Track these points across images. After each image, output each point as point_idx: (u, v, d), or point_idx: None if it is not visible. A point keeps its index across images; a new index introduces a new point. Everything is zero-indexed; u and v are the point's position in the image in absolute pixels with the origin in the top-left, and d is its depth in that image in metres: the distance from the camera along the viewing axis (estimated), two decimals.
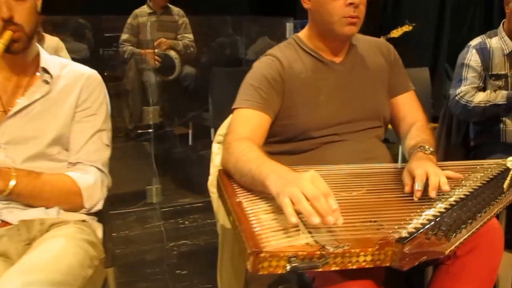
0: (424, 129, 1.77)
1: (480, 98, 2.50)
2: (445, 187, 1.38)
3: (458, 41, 6.03)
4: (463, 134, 2.75)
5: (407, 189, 1.43)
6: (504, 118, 2.54)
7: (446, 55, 6.08)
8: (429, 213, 1.31)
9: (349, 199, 1.39)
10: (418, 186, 1.39)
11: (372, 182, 1.51)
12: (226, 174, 1.55)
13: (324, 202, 1.14)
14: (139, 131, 4.58)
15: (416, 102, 1.90)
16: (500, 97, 2.45)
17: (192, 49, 4.89)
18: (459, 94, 2.56)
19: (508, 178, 1.54)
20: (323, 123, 1.71)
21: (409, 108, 1.87)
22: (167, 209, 3.69)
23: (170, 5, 4.87)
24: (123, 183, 3.58)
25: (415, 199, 1.38)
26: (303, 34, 1.82)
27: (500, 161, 1.74)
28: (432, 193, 1.36)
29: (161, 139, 4.47)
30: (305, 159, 1.71)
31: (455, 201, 1.38)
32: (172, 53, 4.64)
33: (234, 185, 1.48)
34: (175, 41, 4.78)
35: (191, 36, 4.92)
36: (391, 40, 4.99)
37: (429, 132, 1.77)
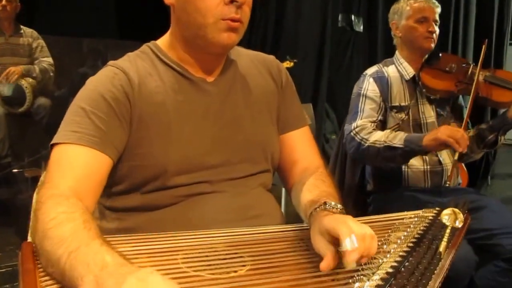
0: (324, 178, 1.31)
1: (377, 137, 2.09)
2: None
3: (337, 79, 5.90)
4: (358, 177, 2.35)
5: (324, 264, 0.95)
6: None
7: (326, 94, 5.88)
8: None
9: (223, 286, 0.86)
10: (349, 244, 0.92)
11: (258, 255, 1.00)
12: (32, 252, 0.94)
13: None
14: None
15: (312, 141, 1.44)
16: (398, 139, 2.05)
17: (51, 73, 4.18)
18: (355, 129, 2.15)
19: (445, 239, 1.12)
20: (186, 166, 1.19)
21: (303, 148, 1.41)
22: (4, 270, 2.94)
23: (22, 26, 4.15)
24: None
25: (350, 267, 0.93)
26: (162, 41, 1.29)
27: (419, 212, 1.36)
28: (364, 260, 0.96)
29: (5, 183, 3.76)
30: (161, 219, 1.16)
31: (382, 279, 0.93)
32: (23, 82, 3.92)
33: (41, 274, 0.89)
34: (28, 66, 4.05)
35: (50, 59, 4.21)
36: None
37: (330, 182, 1.31)
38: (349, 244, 0.92)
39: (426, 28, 2.18)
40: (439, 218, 1.28)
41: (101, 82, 1.17)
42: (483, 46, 2.21)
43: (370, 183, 2.30)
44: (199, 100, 1.23)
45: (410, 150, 2.02)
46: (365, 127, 2.13)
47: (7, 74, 3.88)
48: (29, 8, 4.29)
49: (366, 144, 2.08)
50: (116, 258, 0.82)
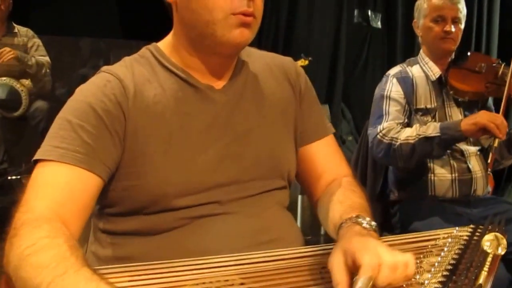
0: (355, 188, 1.23)
1: (407, 133, 2.01)
2: None
3: (353, 78, 5.80)
4: (381, 185, 2.25)
5: None
6: (432, 166, 2.09)
7: (341, 94, 5.78)
8: None
9: None
10: (359, 285, 0.82)
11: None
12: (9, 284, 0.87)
13: None
14: None
15: (337, 150, 1.35)
16: (432, 128, 1.97)
17: (47, 70, 4.09)
18: (381, 131, 2.05)
19: (485, 269, 1.03)
20: (190, 186, 1.10)
21: (328, 160, 1.31)
22: None
23: (16, 25, 4.08)
24: None
25: None
26: (164, 44, 1.20)
27: (453, 231, 1.24)
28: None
29: (1, 190, 3.72)
30: (163, 245, 1.07)
31: None
32: (18, 85, 3.85)
33: None
34: (24, 54, 3.97)
35: (47, 58, 4.13)
36: None
37: (361, 192, 1.22)
38: (359, 285, 0.83)
39: (442, 28, 2.10)
40: (474, 237, 1.20)
41: (91, 91, 1.08)
42: None
43: (394, 192, 2.21)
44: (205, 110, 1.14)
45: (448, 138, 1.94)
46: (392, 127, 2.05)
47: (1, 53, 3.79)
48: (23, 6, 4.23)
49: (398, 143, 1.99)
50: None
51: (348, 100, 5.76)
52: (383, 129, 2.05)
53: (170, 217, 1.08)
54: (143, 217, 1.09)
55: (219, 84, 1.17)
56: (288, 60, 1.33)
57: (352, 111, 5.73)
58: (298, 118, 1.29)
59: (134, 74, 1.12)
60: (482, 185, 2.11)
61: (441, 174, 2.08)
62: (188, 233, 1.08)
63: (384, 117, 2.08)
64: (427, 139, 1.95)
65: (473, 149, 2.14)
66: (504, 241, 1.12)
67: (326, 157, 1.32)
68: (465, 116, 2.13)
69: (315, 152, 1.31)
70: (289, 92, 1.28)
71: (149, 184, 1.07)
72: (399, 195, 2.19)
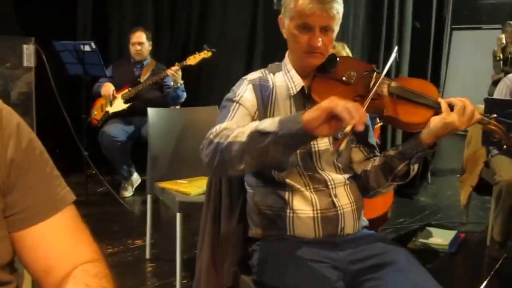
0: (90, 281, 0.89)
1: (241, 130, 1.37)
2: None
3: None
4: (237, 217, 1.75)
5: None
6: (291, 200, 1.57)
7: None
8: None
9: None
10: None
11: None
12: None
13: None
14: None
15: (75, 228, 0.96)
16: (270, 122, 1.33)
17: None
18: (216, 131, 1.44)
19: None
20: None
21: (60, 245, 0.92)
22: None
23: None
24: None
25: None
26: None
27: None
28: None
29: None
30: None
31: None
32: None
33: None
34: None
35: None
36: (189, 69, 4.09)
37: (100, 284, 0.90)
38: None
39: (307, 38, 1.54)
40: None
41: None
42: (394, 52, 1.62)
43: (252, 227, 1.68)
44: None
45: (286, 133, 1.29)
46: (229, 127, 1.44)
47: None
48: None
49: (226, 142, 1.36)
50: None
51: None
52: (219, 128, 1.44)
53: None
54: None
55: None
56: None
57: None
58: (7, 193, 0.87)
59: None
60: (353, 221, 1.60)
61: (300, 211, 1.55)
62: None
63: (228, 118, 1.52)
64: (261, 135, 1.31)
65: (340, 178, 1.61)
66: None
67: (56, 243, 0.91)
68: (334, 139, 1.63)
69: (39, 238, 0.89)
70: None
71: None
72: (256, 232, 1.65)
